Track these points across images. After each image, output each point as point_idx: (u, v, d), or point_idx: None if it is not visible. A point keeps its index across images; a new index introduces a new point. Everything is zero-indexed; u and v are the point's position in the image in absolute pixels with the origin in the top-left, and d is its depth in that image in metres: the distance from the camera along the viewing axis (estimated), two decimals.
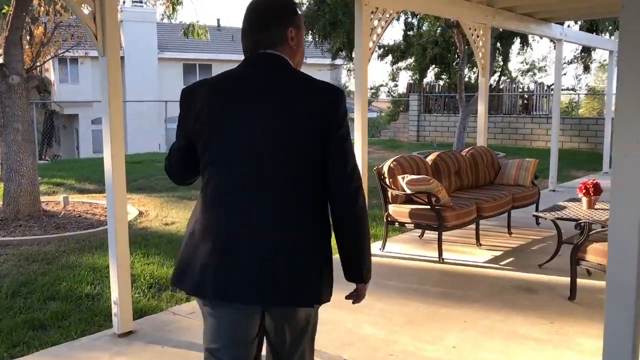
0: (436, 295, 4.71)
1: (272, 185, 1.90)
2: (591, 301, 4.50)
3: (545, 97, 22.68)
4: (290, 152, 1.89)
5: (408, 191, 5.72)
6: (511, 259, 5.77)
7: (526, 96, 20.62)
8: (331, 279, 2.02)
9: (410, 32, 18.94)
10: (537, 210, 7.10)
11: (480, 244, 6.19)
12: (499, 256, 5.86)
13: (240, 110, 1.92)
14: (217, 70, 27.31)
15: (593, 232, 4.41)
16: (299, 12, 2.10)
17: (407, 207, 5.81)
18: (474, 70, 20.48)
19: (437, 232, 5.67)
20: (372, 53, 5.82)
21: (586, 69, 19.71)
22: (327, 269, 1.99)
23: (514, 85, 21.77)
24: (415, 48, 18.95)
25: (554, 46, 10.27)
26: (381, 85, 29.13)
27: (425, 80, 21.04)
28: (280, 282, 1.89)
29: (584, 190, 5.56)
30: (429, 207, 5.63)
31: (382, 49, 19.53)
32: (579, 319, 4.17)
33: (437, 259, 5.64)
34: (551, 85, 24.29)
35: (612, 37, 14.24)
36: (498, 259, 5.75)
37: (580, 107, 26.02)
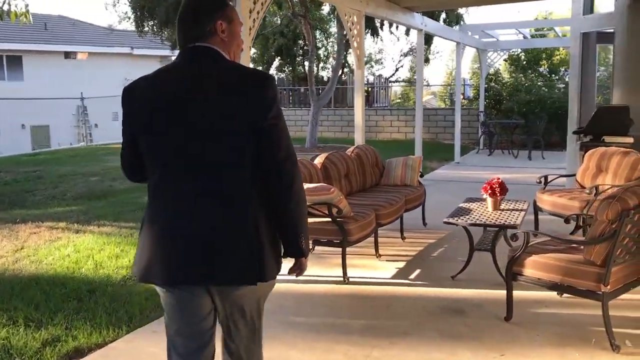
0: (361, 331, 3.90)
1: (210, 172, 1.99)
2: (528, 320, 4.00)
3: (384, 89, 23.20)
4: (227, 139, 1.97)
5: None
6: (418, 270, 5.17)
7: (368, 89, 20.82)
8: (276, 258, 2.12)
9: None
10: (423, 211, 6.68)
11: (380, 255, 5.53)
12: (403, 268, 5.23)
13: (174, 105, 1.99)
14: (29, 62, 24.04)
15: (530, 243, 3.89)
16: (230, 4, 2.13)
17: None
18: (322, 65, 20.17)
19: (338, 248, 4.88)
20: (253, 40, 4.84)
21: (426, 60, 20.38)
22: (270, 248, 2.07)
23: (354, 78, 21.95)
24: (259, 39, 18.09)
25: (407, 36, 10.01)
26: None
27: (270, 73, 20.27)
28: (221, 262, 2.00)
29: (489, 190, 5.13)
30: (329, 220, 4.81)
31: None
32: (527, 346, 3.63)
33: (342, 279, 4.85)
34: (389, 77, 25.03)
35: (457, 28, 14.65)
36: (405, 272, 5.12)
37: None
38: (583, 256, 3.67)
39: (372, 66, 26.51)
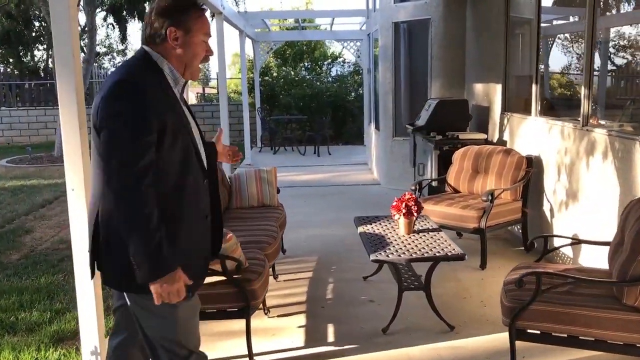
0: None
1: (94, 178, 2.06)
2: None
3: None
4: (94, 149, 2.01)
5: None
6: (331, 327, 3.83)
7: None
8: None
9: None
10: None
11: (268, 310, 4.04)
12: (310, 328, 3.83)
13: None
14: None
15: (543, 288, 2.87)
16: (190, 14, 2.05)
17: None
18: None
19: (237, 320, 3.29)
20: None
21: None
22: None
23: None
24: None
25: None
26: None
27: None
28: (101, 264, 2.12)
29: (403, 210, 4.04)
30: (223, 279, 3.19)
31: None
32: None
33: None
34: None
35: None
36: (316, 335, 3.73)
37: None
38: (620, 301, 2.79)
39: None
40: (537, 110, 5.45)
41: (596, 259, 4.05)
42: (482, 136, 6.41)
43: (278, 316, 3.99)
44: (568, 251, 4.69)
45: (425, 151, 6.81)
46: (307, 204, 7.59)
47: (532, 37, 5.55)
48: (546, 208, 5.16)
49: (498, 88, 6.47)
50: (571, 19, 6.56)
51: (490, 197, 4.83)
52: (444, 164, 6.27)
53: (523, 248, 5.34)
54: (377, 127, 9.67)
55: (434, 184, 5.95)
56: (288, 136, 14.21)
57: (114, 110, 1.92)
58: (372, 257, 3.62)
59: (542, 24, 5.42)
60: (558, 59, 6.31)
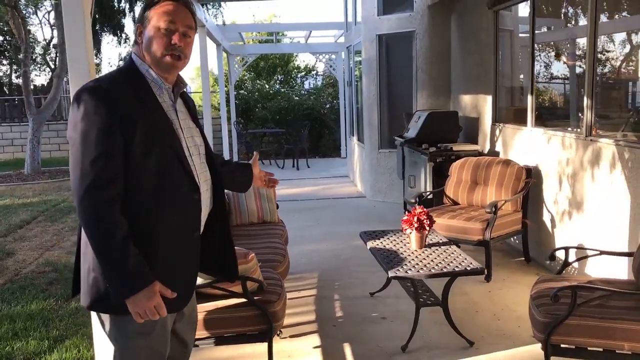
0: None
1: None
2: None
3: None
4: None
5: (199, 281, 2.98)
6: (347, 347, 3.72)
7: None
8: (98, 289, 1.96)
9: None
10: None
11: (280, 331, 3.90)
12: (327, 348, 3.71)
13: None
14: None
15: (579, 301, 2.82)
16: (152, 7, 2.01)
17: (199, 312, 3.04)
18: (37, 68, 16.49)
19: (259, 343, 3.14)
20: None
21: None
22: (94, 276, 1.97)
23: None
24: None
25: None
26: None
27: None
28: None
29: (416, 224, 3.97)
30: (244, 301, 3.05)
31: None
32: None
33: None
34: None
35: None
36: (335, 358, 3.62)
37: None
38: None
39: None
40: (533, 121, 5.47)
41: (607, 269, 4.05)
42: (476, 147, 6.42)
43: (290, 337, 3.86)
44: (576, 263, 4.69)
45: (416, 163, 6.78)
46: (296, 218, 7.47)
47: (526, 49, 5.58)
48: (546, 219, 5.17)
49: (488, 99, 6.50)
50: (552, 29, 6.65)
51: (494, 209, 4.81)
52: (438, 175, 6.26)
53: (523, 259, 5.33)
54: (360, 140, 9.62)
55: (430, 196, 5.91)
56: (265, 149, 14.07)
57: (74, 120, 1.86)
58: (391, 273, 3.52)
59: (522, 35, 5.45)
60: (550, 69, 6.37)
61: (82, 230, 1.94)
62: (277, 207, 5.15)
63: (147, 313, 1.90)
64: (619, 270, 3.92)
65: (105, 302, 1.95)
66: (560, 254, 3.63)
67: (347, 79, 11.31)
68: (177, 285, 2.02)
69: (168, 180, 1.98)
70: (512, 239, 5.61)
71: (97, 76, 2.29)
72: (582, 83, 4.52)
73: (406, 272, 3.53)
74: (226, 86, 14.32)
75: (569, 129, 5.08)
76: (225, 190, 4.84)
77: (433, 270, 3.54)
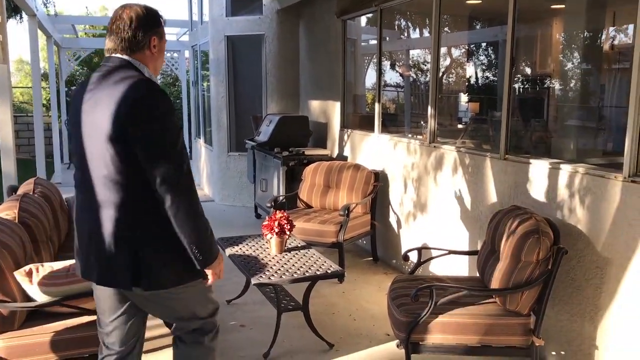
0: None
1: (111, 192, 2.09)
2: None
3: None
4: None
5: (44, 299, 2.69)
6: None
7: None
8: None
9: None
10: None
11: None
12: None
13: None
14: None
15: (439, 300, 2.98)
16: (162, 24, 2.26)
17: (43, 334, 2.73)
18: None
19: None
20: None
21: None
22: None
23: None
24: None
25: None
26: None
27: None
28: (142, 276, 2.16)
29: (276, 229, 3.95)
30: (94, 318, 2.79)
31: None
32: None
33: None
34: None
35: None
36: None
37: None
38: (503, 307, 3.01)
39: None
40: (380, 127, 5.74)
41: (450, 267, 4.37)
42: (326, 152, 6.59)
43: (145, 352, 3.61)
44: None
45: (268, 167, 6.78)
46: None
47: (367, 58, 5.84)
48: (392, 220, 5.45)
49: (337, 106, 6.71)
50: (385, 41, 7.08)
51: (346, 211, 4.95)
52: (290, 179, 6.32)
53: (372, 258, 5.57)
54: (207, 142, 9.41)
55: (283, 200, 5.94)
56: None
57: (162, 120, 2.06)
58: (254, 280, 3.46)
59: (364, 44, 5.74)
60: (392, 78, 6.74)
61: (138, 222, 2.12)
62: None
63: (220, 274, 2.27)
64: (461, 267, 4.25)
65: (188, 274, 2.21)
66: (411, 253, 3.83)
67: (193, 79, 11.00)
68: None
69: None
70: (360, 240, 5.83)
71: None
72: (418, 92, 4.84)
73: (269, 278, 3.49)
74: (57, 82, 13.17)
75: (409, 135, 5.41)
76: (65, 197, 4.45)
77: (295, 275, 3.54)
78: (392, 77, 9.13)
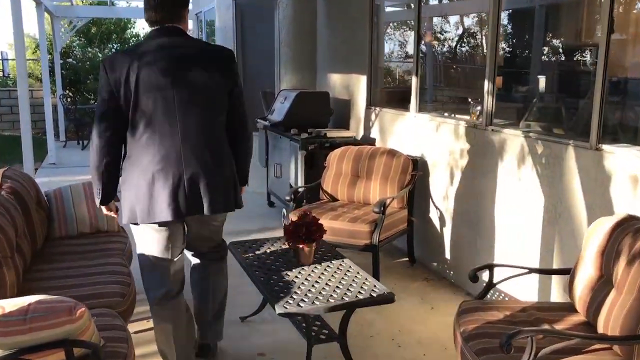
0: None
1: (199, 129, 2.61)
2: None
3: None
4: (210, 99, 2.66)
5: None
6: None
7: None
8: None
9: None
10: None
11: None
12: None
13: (174, 74, 2.55)
14: None
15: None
16: None
17: None
18: None
19: None
20: None
21: None
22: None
23: None
24: None
25: None
26: None
27: None
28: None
29: (303, 235, 3.13)
30: None
31: None
32: None
33: None
34: None
35: None
36: None
37: None
38: (624, 359, 2.20)
39: None
40: (417, 105, 4.89)
41: (513, 284, 3.55)
42: (351, 134, 5.73)
43: None
44: (485, 276, 4.19)
45: (282, 150, 5.94)
46: None
47: (410, 29, 4.96)
48: (433, 216, 4.63)
49: (362, 80, 5.84)
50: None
51: (382, 208, 4.13)
52: (309, 166, 5.48)
53: (407, 260, 4.77)
54: None
55: (303, 191, 5.10)
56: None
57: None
58: (279, 309, 2.64)
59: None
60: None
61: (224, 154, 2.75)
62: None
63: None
64: (529, 284, 3.44)
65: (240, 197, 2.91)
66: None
67: None
68: None
69: None
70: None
71: None
72: (470, 65, 3.97)
73: (298, 304, 2.68)
74: (50, 54, 12.28)
75: (446, 114, 4.56)
76: (44, 191, 3.87)
77: (332, 300, 2.73)
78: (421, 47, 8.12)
